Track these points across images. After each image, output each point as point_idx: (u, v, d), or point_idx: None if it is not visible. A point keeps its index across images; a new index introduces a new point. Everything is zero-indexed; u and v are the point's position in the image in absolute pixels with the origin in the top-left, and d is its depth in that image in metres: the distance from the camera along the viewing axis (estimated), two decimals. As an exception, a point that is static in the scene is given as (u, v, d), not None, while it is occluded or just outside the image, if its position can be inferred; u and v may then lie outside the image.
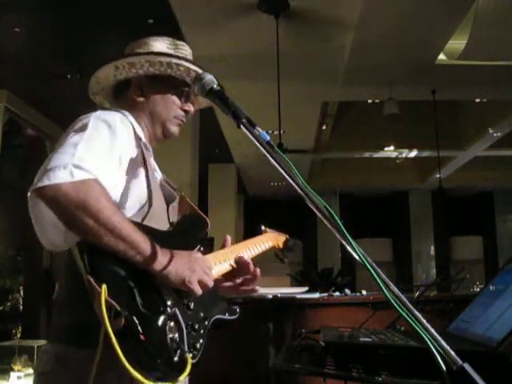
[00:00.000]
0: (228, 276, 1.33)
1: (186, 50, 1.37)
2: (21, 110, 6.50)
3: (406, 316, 0.76)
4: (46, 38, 5.13)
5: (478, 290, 4.98)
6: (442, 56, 5.84)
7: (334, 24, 4.97)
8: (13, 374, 4.60)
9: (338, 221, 0.87)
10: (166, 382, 0.96)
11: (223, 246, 1.37)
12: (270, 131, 6.05)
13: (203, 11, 4.75)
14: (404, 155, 10.30)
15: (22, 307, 7.36)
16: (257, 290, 1.38)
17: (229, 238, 1.38)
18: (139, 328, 0.95)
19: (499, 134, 8.58)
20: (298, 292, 3.29)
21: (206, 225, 1.35)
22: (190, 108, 1.37)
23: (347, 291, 3.26)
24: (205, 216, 1.37)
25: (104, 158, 1.07)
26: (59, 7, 4.57)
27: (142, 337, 0.94)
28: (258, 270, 1.35)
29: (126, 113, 1.27)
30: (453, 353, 0.73)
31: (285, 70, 5.07)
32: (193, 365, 1.01)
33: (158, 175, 1.33)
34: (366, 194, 13.15)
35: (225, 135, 8.05)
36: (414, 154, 10.06)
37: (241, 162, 9.97)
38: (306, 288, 3.43)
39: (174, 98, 1.34)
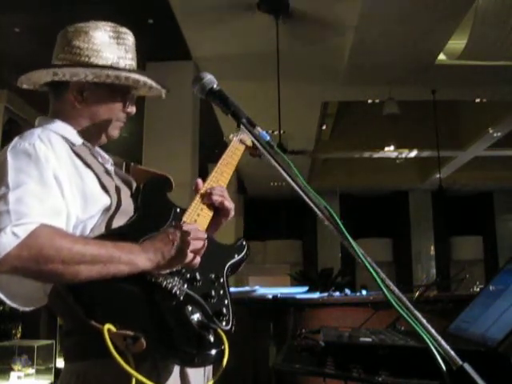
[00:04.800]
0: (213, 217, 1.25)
1: (128, 40, 1.25)
2: (21, 110, 6.49)
3: (406, 316, 0.76)
4: (46, 38, 5.12)
5: (478, 290, 4.97)
6: (442, 56, 5.84)
7: (334, 24, 4.97)
8: (13, 374, 4.59)
9: (338, 221, 0.87)
10: (217, 360, 0.96)
11: (196, 191, 1.26)
12: (270, 131, 6.05)
13: (203, 11, 4.75)
14: (404, 155, 10.30)
15: (22, 307, 7.35)
16: (229, 206, 1.26)
17: (199, 181, 1.27)
18: (163, 336, 0.93)
19: (499, 134, 8.58)
20: (298, 292, 3.29)
21: (169, 181, 1.26)
22: (133, 110, 1.27)
23: (347, 291, 3.26)
24: (164, 174, 1.28)
25: (40, 196, 1.00)
26: (59, 7, 4.57)
27: (169, 342, 0.93)
28: (223, 189, 1.27)
29: (50, 120, 1.20)
30: (453, 353, 0.73)
31: (285, 70, 5.07)
32: (229, 331, 1.00)
33: (110, 166, 1.24)
34: (366, 194, 13.15)
35: (225, 135, 8.05)
36: (414, 154, 10.06)
37: (241, 162, 9.94)
38: (306, 288, 3.44)
39: (117, 101, 1.23)
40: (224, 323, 1.01)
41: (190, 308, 0.99)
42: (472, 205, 13.27)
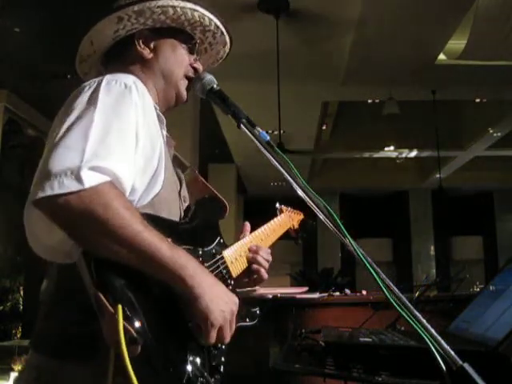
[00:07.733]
0: (245, 271, 1.21)
1: None
2: (21, 110, 6.50)
3: (406, 316, 0.76)
4: (46, 38, 5.13)
5: (478, 290, 4.98)
6: (442, 56, 5.84)
7: (334, 24, 4.96)
8: (13, 374, 4.60)
9: (338, 221, 0.87)
10: None
11: (241, 233, 1.26)
12: (269, 131, 6.05)
13: (203, 11, 4.75)
14: (404, 155, 10.30)
15: (21, 307, 7.36)
16: (265, 277, 1.26)
17: (247, 224, 1.27)
18: (158, 356, 0.84)
19: (499, 134, 8.58)
20: (298, 292, 3.29)
21: (225, 209, 1.20)
22: (200, 66, 1.18)
23: (347, 291, 3.25)
24: (222, 198, 1.20)
25: (121, 144, 0.89)
26: (59, 7, 4.57)
27: (160, 366, 0.85)
28: (269, 252, 1.25)
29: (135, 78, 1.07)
30: (453, 353, 0.73)
31: (285, 70, 5.06)
32: None
33: (171, 150, 1.16)
34: (366, 194, 13.15)
35: (225, 135, 8.05)
36: (414, 154, 10.06)
37: (241, 162, 9.96)
38: (306, 288, 3.43)
39: (185, 52, 1.16)
40: (213, 380, 0.97)
41: (193, 345, 0.93)
42: (472, 205, 13.27)
